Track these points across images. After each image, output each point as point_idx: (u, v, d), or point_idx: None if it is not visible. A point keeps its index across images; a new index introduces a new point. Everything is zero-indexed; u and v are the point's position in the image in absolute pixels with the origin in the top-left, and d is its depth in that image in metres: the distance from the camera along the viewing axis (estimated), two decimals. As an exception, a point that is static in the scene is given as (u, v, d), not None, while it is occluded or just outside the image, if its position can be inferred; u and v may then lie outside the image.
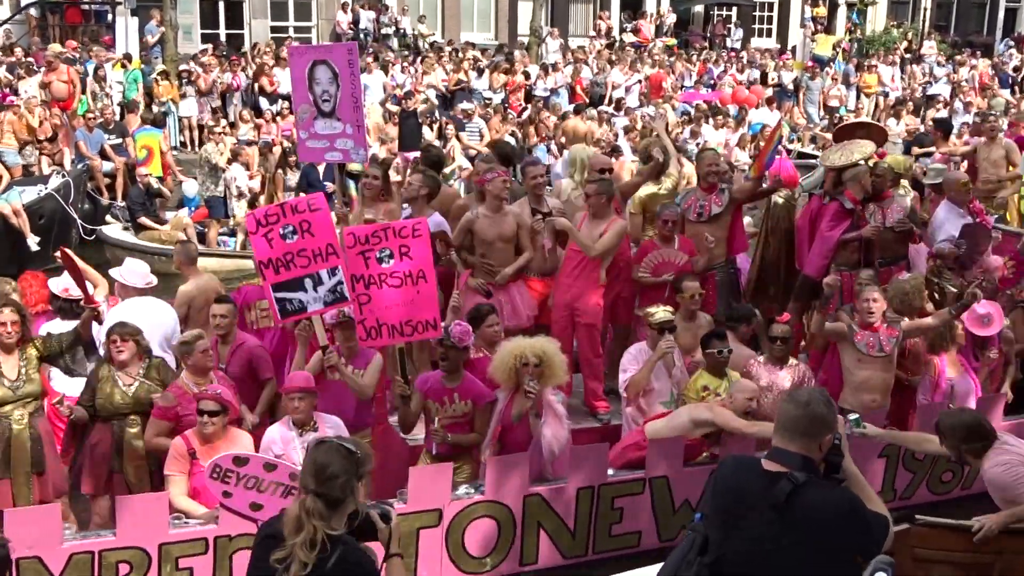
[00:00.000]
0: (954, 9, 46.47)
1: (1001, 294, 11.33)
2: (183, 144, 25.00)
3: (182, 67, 26.16)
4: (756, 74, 31.90)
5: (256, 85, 25.80)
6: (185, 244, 12.13)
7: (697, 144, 22.53)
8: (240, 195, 19.51)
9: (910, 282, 10.35)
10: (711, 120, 24.91)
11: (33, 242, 17.33)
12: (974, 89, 29.93)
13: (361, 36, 32.75)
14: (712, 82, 30.87)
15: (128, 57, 26.05)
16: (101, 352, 8.81)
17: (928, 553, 7.20)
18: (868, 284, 10.12)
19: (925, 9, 40.94)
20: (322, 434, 8.22)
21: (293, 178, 19.85)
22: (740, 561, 4.83)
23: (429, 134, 23.79)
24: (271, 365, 9.48)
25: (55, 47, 25.11)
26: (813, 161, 22.16)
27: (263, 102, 25.15)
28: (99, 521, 8.43)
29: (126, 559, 7.39)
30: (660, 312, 9.46)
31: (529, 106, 26.68)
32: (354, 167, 16.34)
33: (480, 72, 28.48)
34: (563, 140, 22.98)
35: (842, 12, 42.84)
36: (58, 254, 9.98)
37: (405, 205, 10.72)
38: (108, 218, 20.12)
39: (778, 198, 11.67)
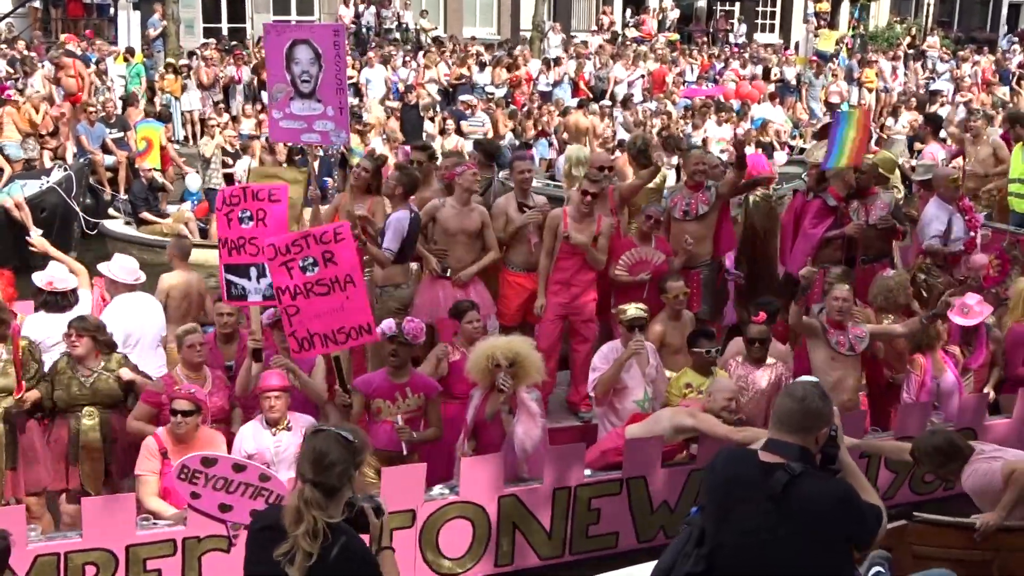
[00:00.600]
0: (957, 5, 46.29)
1: (986, 292, 11.25)
2: (185, 138, 24.97)
3: (183, 61, 26.12)
4: (759, 69, 31.77)
5: (258, 79, 25.71)
6: (180, 239, 12.08)
7: (703, 138, 22.53)
8: (243, 187, 19.39)
9: (894, 279, 10.29)
10: (714, 116, 24.82)
11: (36, 234, 17.28)
12: (976, 85, 29.80)
13: (363, 31, 32.75)
14: (715, 77, 30.77)
15: (131, 51, 26.03)
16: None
17: (926, 550, 7.20)
18: (837, 282, 10.06)
19: (928, 5, 40.86)
20: (296, 433, 8.23)
21: (292, 174, 19.75)
22: (737, 552, 4.89)
23: (431, 128, 23.77)
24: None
25: (71, 47, 25.11)
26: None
27: (265, 96, 25.02)
28: (68, 521, 8.39)
29: (92, 561, 7.33)
30: (632, 309, 9.42)
31: (524, 97, 26.65)
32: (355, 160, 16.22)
33: (483, 67, 28.42)
34: (565, 136, 22.98)
35: (845, 7, 42.68)
36: (33, 241, 10.04)
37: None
38: (111, 212, 20.14)
39: (756, 196, 11.59)
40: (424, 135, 23.42)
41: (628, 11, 39.30)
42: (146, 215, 18.70)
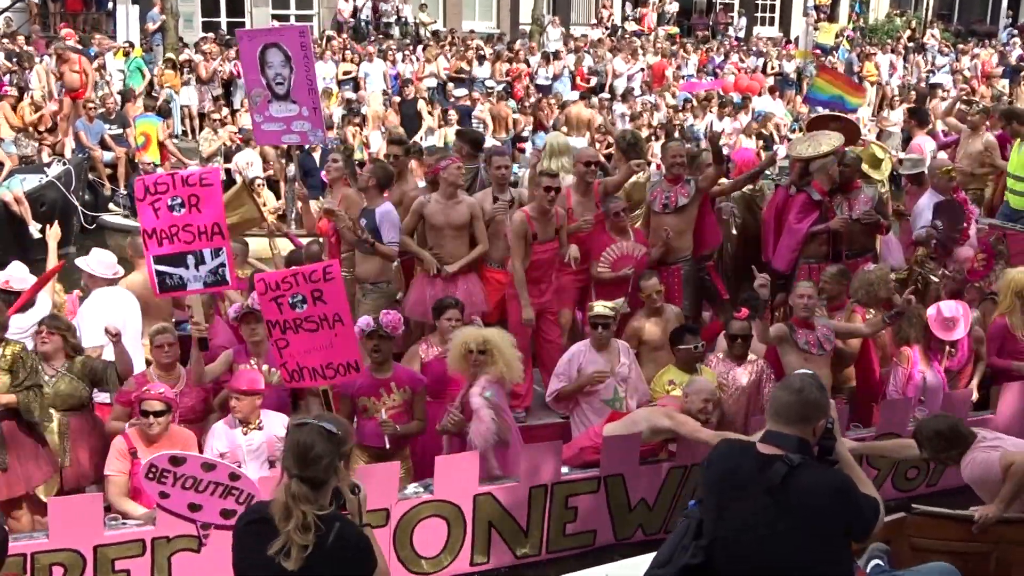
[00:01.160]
0: (957, -3, 46.17)
1: (969, 286, 11.19)
2: (184, 133, 24.93)
3: (183, 56, 26.07)
4: (759, 62, 31.66)
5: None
6: (135, 238, 11.95)
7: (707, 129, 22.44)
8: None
9: (875, 273, 10.22)
10: (714, 109, 24.73)
11: (35, 229, 17.28)
12: (976, 78, 29.66)
13: (362, 24, 32.67)
14: (714, 71, 30.66)
15: (131, 45, 25.99)
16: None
17: (925, 542, 7.18)
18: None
19: (928, -3, 40.80)
20: (268, 432, 8.20)
21: (292, 169, 19.63)
22: (735, 544, 4.89)
23: (430, 120, 23.74)
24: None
25: (70, 42, 25.04)
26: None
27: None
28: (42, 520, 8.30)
29: (60, 561, 7.27)
30: (597, 306, 9.43)
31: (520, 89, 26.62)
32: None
33: (482, 60, 28.35)
34: (564, 129, 22.92)
35: (845, 1, 42.50)
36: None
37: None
38: (111, 207, 20.24)
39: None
40: (424, 128, 23.43)
41: (627, 5, 39.16)
42: (146, 209, 18.61)
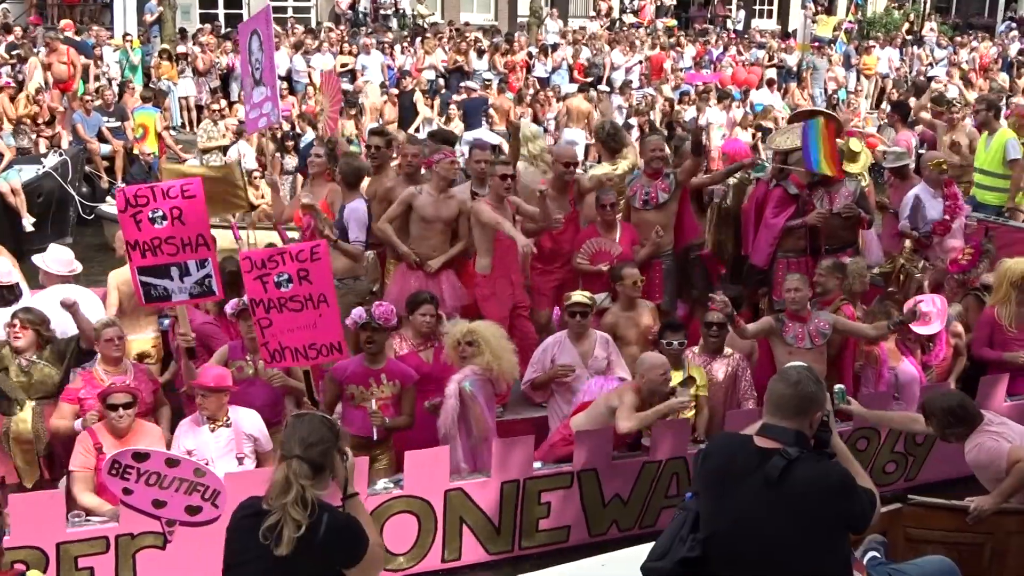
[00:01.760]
0: (955, -9, 46.03)
1: (949, 277, 11.12)
2: (182, 125, 24.89)
3: (180, 48, 26.03)
4: (758, 55, 31.56)
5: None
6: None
7: (708, 122, 22.39)
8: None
9: (850, 266, 10.14)
10: (712, 102, 24.64)
11: (28, 223, 17.28)
12: (975, 71, 29.55)
13: (360, 17, 32.61)
14: (712, 63, 30.55)
15: (128, 36, 25.96)
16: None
17: (921, 533, 7.20)
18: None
19: (926, -10, 40.62)
20: (236, 430, 8.14)
21: (292, 161, 19.66)
22: (733, 537, 4.90)
23: (429, 113, 23.69)
24: (224, 337, 9.38)
25: (68, 34, 25.02)
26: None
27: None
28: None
29: (22, 559, 7.09)
30: (576, 295, 9.39)
31: (519, 83, 26.55)
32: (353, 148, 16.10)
33: (480, 53, 28.27)
34: (564, 121, 22.90)
35: (843, -7, 42.41)
36: None
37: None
38: (109, 199, 20.03)
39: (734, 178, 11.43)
40: (420, 119, 23.38)
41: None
42: (144, 201, 18.56)
